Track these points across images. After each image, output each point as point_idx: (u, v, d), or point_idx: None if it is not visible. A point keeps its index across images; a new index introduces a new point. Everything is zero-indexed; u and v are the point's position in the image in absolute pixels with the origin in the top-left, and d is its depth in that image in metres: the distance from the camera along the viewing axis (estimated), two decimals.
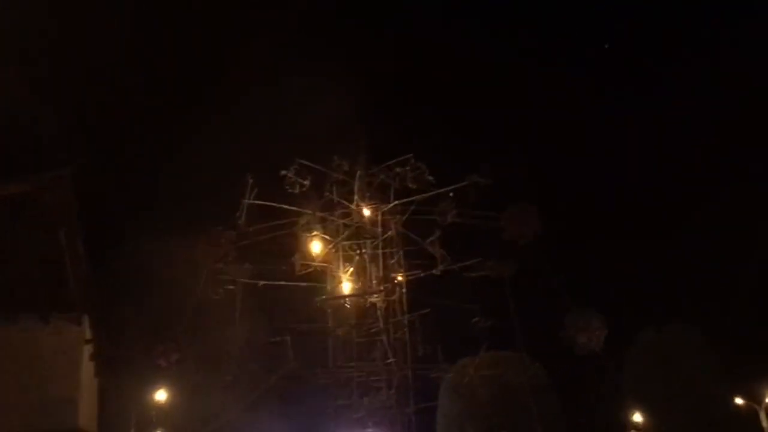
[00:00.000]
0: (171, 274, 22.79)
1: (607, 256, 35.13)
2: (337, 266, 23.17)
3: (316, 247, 23.07)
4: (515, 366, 21.75)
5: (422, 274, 22.84)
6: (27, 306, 22.80)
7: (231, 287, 22.78)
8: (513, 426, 21.45)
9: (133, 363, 24.56)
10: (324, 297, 23.03)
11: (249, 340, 22.71)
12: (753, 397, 29.20)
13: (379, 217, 23.14)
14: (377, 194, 23.41)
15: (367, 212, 23.16)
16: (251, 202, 22.70)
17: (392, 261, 23.09)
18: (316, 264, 23.11)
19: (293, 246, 23.10)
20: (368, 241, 23.04)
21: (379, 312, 22.42)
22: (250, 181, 22.67)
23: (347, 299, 22.93)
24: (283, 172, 22.68)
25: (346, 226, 23.29)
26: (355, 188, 23.19)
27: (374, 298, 22.65)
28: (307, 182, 22.75)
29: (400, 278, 23.05)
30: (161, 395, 24.06)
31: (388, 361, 21.85)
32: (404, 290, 22.94)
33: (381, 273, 22.73)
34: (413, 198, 22.69)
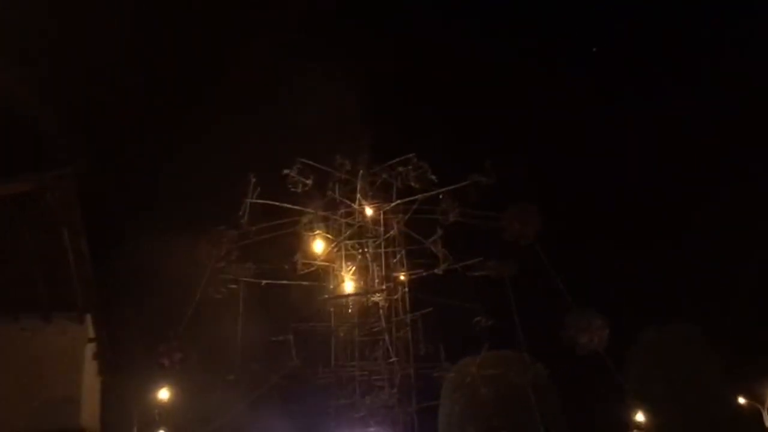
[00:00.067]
0: (173, 273, 22.82)
1: (608, 255, 35.17)
2: (339, 265, 23.22)
3: (318, 246, 23.13)
4: (517, 365, 21.71)
5: (424, 274, 22.91)
6: (29, 305, 22.78)
7: (233, 286, 22.85)
8: (515, 426, 21.38)
9: (136, 362, 24.59)
10: (326, 296, 23.08)
11: (251, 339, 22.76)
12: (756, 397, 29.25)
13: (382, 217, 23.19)
14: (380, 193, 23.47)
15: (369, 211, 23.22)
16: (254, 201, 22.75)
17: (394, 260, 23.15)
18: (318, 263, 23.17)
19: (295, 245, 23.15)
20: (370, 241, 23.09)
21: (381, 311, 22.49)
22: (253, 180, 22.72)
23: (349, 298, 22.99)
24: (286, 172, 22.73)
25: (348, 225, 23.34)
26: (358, 187, 23.24)
27: (376, 298, 22.71)
28: (309, 181, 22.80)
29: (402, 277, 23.11)
30: (164, 394, 24.04)
31: (390, 360, 21.91)
32: (406, 289, 23.01)
33: (383, 272, 22.79)
34: (415, 197, 22.74)
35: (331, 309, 23.05)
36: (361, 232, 23.26)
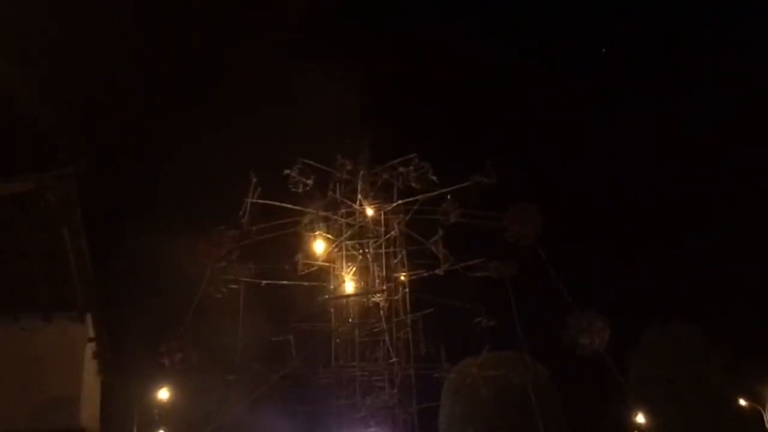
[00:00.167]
0: (174, 273, 22.79)
1: (609, 256, 35.23)
2: (340, 266, 23.18)
3: (319, 246, 23.08)
4: (518, 366, 21.71)
5: (425, 274, 22.87)
6: (30, 304, 22.83)
7: (234, 286, 22.79)
8: (515, 427, 21.41)
9: (136, 362, 24.59)
10: (327, 296, 23.05)
11: (251, 340, 22.73)
12: (757, 398, 29.23)
13: (382, 217, 23.15)
14: (380, 194, 23.43)
15: (370, 212, 23.17)
16: (254, 201, 22.70)
17: (395, 261, 23.11)
18: (318, 263, 23.13)
19: (296, 245, 23.11)
20: (371, 241, 23.05)
21: (381, 312, 22.45)
22: (254, 180, 22.68)
23: (350, 299, 22.96)
24: (287, 172, 22.69)
25: (349, 225, 23.30)
26: (359, 188, 23.20)
27: (377, 298, 22.67)
28: (310, 181, 22.76)
29: (402, 278, 23.07)
30: (164, 394, 24.06)
31: (391, 360, 21.87)
32: (407, 290, 22.96)
33: (384, 273, 22.74)
34: (417, 197, 22.71)
35: (332, 309, 22.99)
36: (361, 232, 23.20)
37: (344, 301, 22.96)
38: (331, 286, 23.21)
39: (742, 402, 28.88)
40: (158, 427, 24.24)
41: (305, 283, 23.04)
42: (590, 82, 41.74)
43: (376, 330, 22.40)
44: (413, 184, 22.63)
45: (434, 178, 22.45)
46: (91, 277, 23.51)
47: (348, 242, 23.20)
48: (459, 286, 22.54)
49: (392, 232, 23.05)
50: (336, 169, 23.31)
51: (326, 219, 23.17)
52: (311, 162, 22.98)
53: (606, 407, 27.83)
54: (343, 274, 23.08)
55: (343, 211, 23.42)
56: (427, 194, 22.55)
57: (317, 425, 23.26)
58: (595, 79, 42.20)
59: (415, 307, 22.78)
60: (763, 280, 31.20)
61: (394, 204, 23.06)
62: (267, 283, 23.03)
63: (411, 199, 22.88)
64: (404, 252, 23.18)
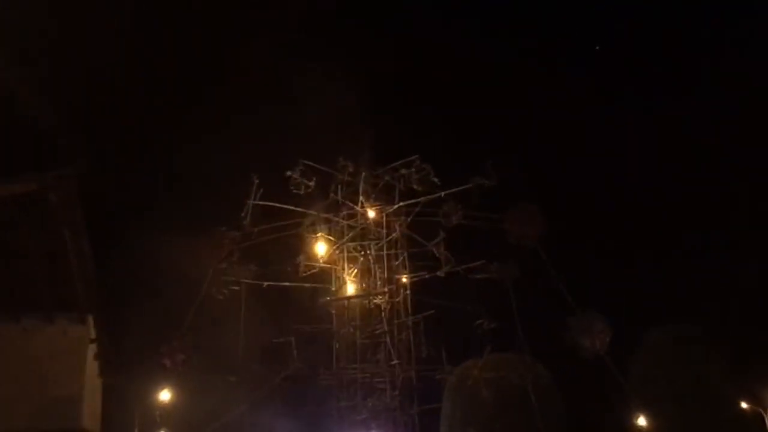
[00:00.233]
0: (175, 274, 22.82)
1: (610, 257, 35.22)
2: (341, 267, 23.20)
3: (320, 248, 23.11)
4: (519, 368, 21.77)
5: (426, 276, 22.89)
6: (31, 305, 22.81)
7: (235, 288, 22.81)
8: (516, 428, 21.45)
9: (138, 363, 24.61)
10: (328, 298, 23.07)
11: (253, 341, 22.75)
12: (758, 400, 29.23)
13: (384, 219, 23.17)
14: (382, 195, 23.45)
15: (371, 214, 23.19)
16: (256, 202, 22.72)
17: (397, 263, 23.13)
18: (320, 265, 23.15)
19: (298, 247, 23.13)
20: (373, 243, 23.07)
21: (383, 313, 22.48)
22: (256, 181, 22.69)
23: (351, 300, 22.98)
24: (288, 173, 22.70)
25: (350, 227, 23.32)
26: (360, 190, 23.22)
27: (378, 300, 22.71)
28: (312, 183, 22.77)
29: (404, 280, 23.09)
30: (165, 395, 24.06)
31: (392, 362, 21.90)
32: (408, 292, 22.98)
33: (385, 274, 22.77)
34: (418, 200, 22.72)
35: (333, 311, 23.02)
36: (363, 234, 23.22)
37: (345, 302, 23.00)
38: (333, 288, 23.24)
39: (743, 404, 28.89)
40: (159, 428, 24.23)
41: (307, 285, 23.07)
42: (590, 82, 41.68)
43: (377, 332, 22.44)
44: (415, 186, 22.65)
45: (436, 179, 22.47)
46: (93, 277, 23.50)
47: (349, 244, 23.23)
48: (460, 288, 22.57)
49: (394, 234, 23.07)
50: (338, 170, 23.33)
51: (328, 221, 23.20)
52: (312, 164, 23.01)
53: (607, 409, 27.83)
54: (344, 275, 23.12)
55: (345, 213, 23.45)
56: (429, 196, 22.57)
57: (318, 427, 23.31)
58: (596, 79, 42.13)
59: (416, 309, 22.82)
60: (764, 281, 31.19)
61: (396, 206, 23.07)
62: (268, 285, 23.04)
63: (413, 201, 22.90)
64: (406, 254, 23.20)
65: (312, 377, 22.58)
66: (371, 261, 22.98)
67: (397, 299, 22.76)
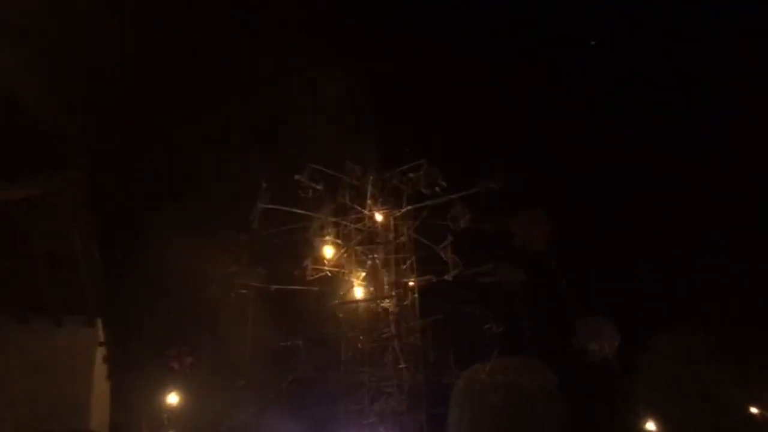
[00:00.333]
0: (184, 277, 22.87)
1: (619, 260, 35.06)
2: (349, 271, 23.23)
3: (328, 251, 23.14)
4: (527, 372, 21.73)
5: (434, 280, 22.90)
6: (40, 308, 22.84)
7: (243, 291, 22.85)
8: None
9: (146, 366, 24.63)
10: (336, 302, 23.10)
11: (261, 344, 22.79)
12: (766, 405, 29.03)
13: (392, 222, 23.19)
14: (390, 199, 23.47)
15: (379, 217, 23.22)
16: (265, 206, 22.77)
17: (404, 266, 23.14)
18: (328, 268, 23.18)
19: (306, 250, 23.17)
20: (380, 246, 23.10)
21: (390, 317, 22.49)
22: (264, 185, 22.74)
23: (359, 304, 23.01)
24: (297, 177, 22.75)
25: (358, 230, 23.35)
26: (368, 193, 23.25)
27: (386, 303, 22.72)
28: (320, 187, 22.81)
29: (412, 283, 23.11)
30: (173, 398, 24.10)
31: (400, 366, 21.91)
32: (416, 295, 23.00)
33: (393, 278, 22.79)
34: (426, 203, 22.73)
35: (341, 314, 23.05)
36: (371, 237, 23.25)
37: (355, 306, 23.02)
38: (341, 292, 23.27)
39: (753, 409, 28.72)
40: (167, 431, 24.27)
41: (315, 288, 23.10)
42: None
43: (385, 335, 22.44)
44: (422, 190, 22.66)
45: (443, 183, 22.49)
46: (102, 280, 23.53)
47: (357, 247, 23.26)
48: (468, 292, 22.55)
49: (401, 238, 23.09)
50: (345, 174, 23.37)
51: (336, 224, 23.24)
52: (321, 167, 23.05)
53: (615, 414, 27.72)
54: (352, 279, 23.14)
55: (353, 216, 23.48)
56: (437, 200, 22.58)
57: (326, 430, 23.29)
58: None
59: (424, 312, 22.83)
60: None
61: (404, 209, 23.10)
62: (277, 288, 23.08)
63: (420, 204, 22.91)
64: (413, 257, 23.21)
65: (319, 380, 22.61)
66: (379, 264, 22.99)
67: (405, 303, 22.78)
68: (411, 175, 22.89)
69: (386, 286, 22.74)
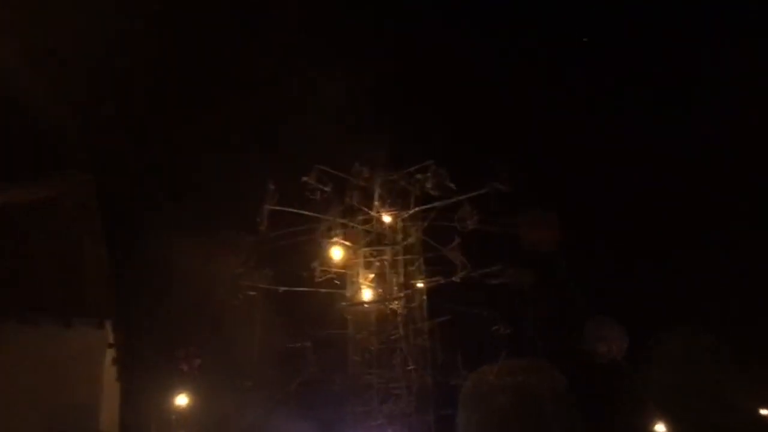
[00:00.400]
0: (193, 279, 22.90)
1: (628, 262, 34.98)
2: (357, 272, 23.22)
3: (336, 253, 23.14)
4: (535, 373, 21.76)
5: (442, 281, 22.87)
6: (49, 309, 22.89)
7: (251, 293, 22.86)
8: None
9: (155, 368, 24.69)
10: (344, 303, 23.10)
11: (269, 346, 22.82)
12: None
13: (400, 224, 23.18)
14: (398, 200, 23.46)
15: (387, 219, 23.21)
16: (273, 208, 22.77)
17: (412, 268, 23.12)
18: (336, 270, 23.18)
19: (313, 252, 23.17)
20: (388, 248, 23.09)
21: (399, 319, 22.48)
22: (272, 187, 22.73)
23: (367, 305, 23.00)
24: (304, 178, 22.74)
25: (366, 232, 23.34)
26: (376, 195, 23.23)
27: (394, 305, 22.71)
28: (328, 188, 22.79)
29: (420, 285, 23.09)
30: (182, 400, 24.16)
31: (408, 368, 21.89)
32: (424, 297, 22.98)
33: (401, 279, 22.78)
34: (434, 205, 22.70)
35: (349, 316, 23.05)
36: (379, 239, 23.24)
37: (363, 307, 23.01)
38: (349, 293, 23.27)
39: (763, 411, 28.65)
40: None
41: (323, 290, 23.09)
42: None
43: (393, 337, 22.43)
44: (430, 191, 22.63)
45: (452, 185, 22.44)
46: (111, 282, 23.60)
47: (365, 249, 23.25)
48: (476, 293, 22.53)
49: (409, 239, 23.08)
50: (353, 176, 23.36)
51: (344, 226, 23.23)
52: (328, 169, 23.03)
53: (623, 415, 27.67)
54: (360, 280, 23.13)
55: (361, 218, 23.47)
56: (445, 201, 22.54)
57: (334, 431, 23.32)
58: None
59: (432, 314, 22.82)
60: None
61: (412, 211, 23.08)
62: (284, 290, 23.09)
63: (428, 206, 22.88)
64: (421, 259, 23.20)
65: (327, 382, 22.61)
66: (387, 266, 22.98)
67: (413, 304, 22.76)
68: (419, 176, 22.84)
69: (394, 288, 22.70)
